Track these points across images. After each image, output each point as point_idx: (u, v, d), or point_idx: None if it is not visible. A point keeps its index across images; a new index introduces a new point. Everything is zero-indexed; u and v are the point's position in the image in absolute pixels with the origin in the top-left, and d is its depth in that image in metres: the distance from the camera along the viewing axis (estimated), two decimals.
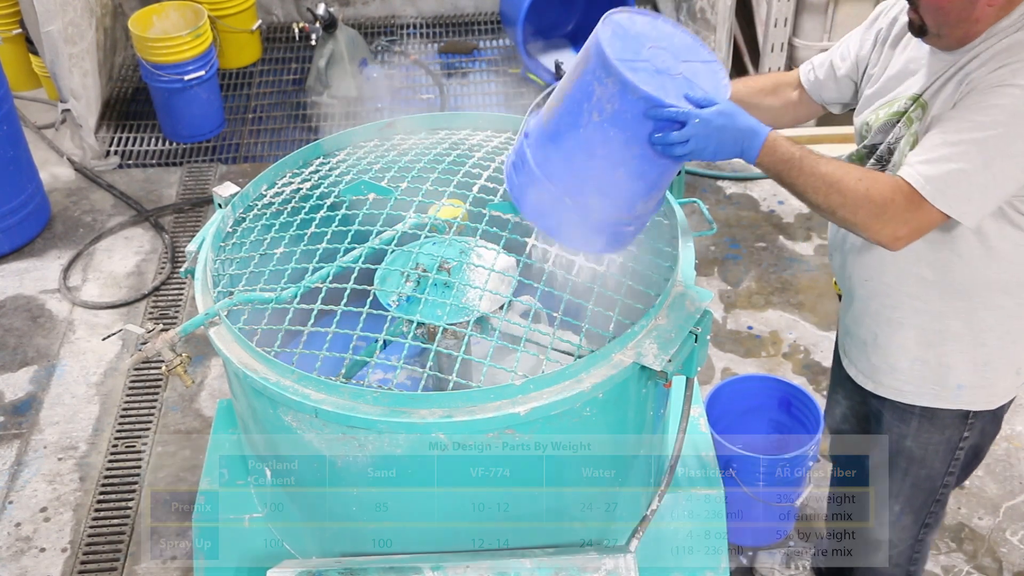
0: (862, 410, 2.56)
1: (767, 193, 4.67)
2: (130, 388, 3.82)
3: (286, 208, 2.36)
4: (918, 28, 2.04)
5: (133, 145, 5.10)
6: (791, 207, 4.58)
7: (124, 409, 3.74)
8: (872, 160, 2.20)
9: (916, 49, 2.13)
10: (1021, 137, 1.91)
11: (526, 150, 2.02)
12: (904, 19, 2.15)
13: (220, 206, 2.35)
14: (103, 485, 3.48)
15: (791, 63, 4.83)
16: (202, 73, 4.90)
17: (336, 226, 2.23)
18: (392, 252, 2.21)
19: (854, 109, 2.33)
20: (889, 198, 1.95)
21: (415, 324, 2.04)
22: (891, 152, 2.15)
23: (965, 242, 2.10)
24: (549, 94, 2.08)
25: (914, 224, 1.97)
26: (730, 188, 4.71)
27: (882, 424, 2.43)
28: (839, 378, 2.57)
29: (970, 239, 2.09)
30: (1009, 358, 2.27)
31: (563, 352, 2.07)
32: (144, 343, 2.10)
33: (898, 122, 2.13)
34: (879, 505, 2.52)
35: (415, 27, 5.97)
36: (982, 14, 1.96)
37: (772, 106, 2.42)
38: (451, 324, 2.07)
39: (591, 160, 1.94)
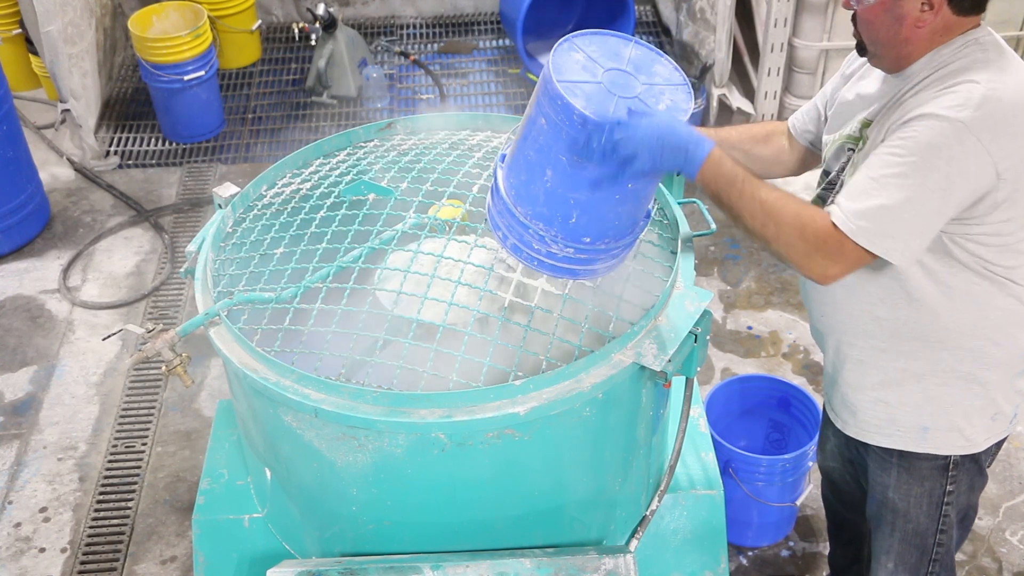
0: (846, 452, 2.49)
1: None
2: (130, 388, 3.82)
3: (286, 208, 2.36)
4: (859, 46, 2.04)
5: (133, 145, 5.11)
6: None
7: (124, 409, 3.74)
8: (827, 189, 2.17)
9: (875, 76, 2.11)
10: (937, 169, 1.85)
11: (499, 183, 1.97)
12: None
13: (220, 206, 2.35)
14: (103, 485, 3.48)
15: (791, 63, 4.83)
16: (202, 73, 4.90)
17: (336, 226, 2.23)
18: (392, 252, 2.21)
19: None
20: (822, 237, 1.89)
21: (415, 324, 2.05)
22: (841, 181, 2.12)
23: (914, 281, 2.04)
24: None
25: (843, 262, 1.91)
26: None
27: (868, 476, 2.36)
28: (826, 414, 2.48)
29: (919, 278, 2.03)
30: (979, 401, 2.16)
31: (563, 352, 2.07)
32: (144, 343, 2.11)
33: (852, 148, 2.10)
34: (874, 561, 2.44)
35: (415, 27, 5.97)
36: (911, 35, 1.93)
37: (763, 155, 2.38)
38: (451, 324, 2.07)
39: (544, 183, 1.88)
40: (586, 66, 1.86)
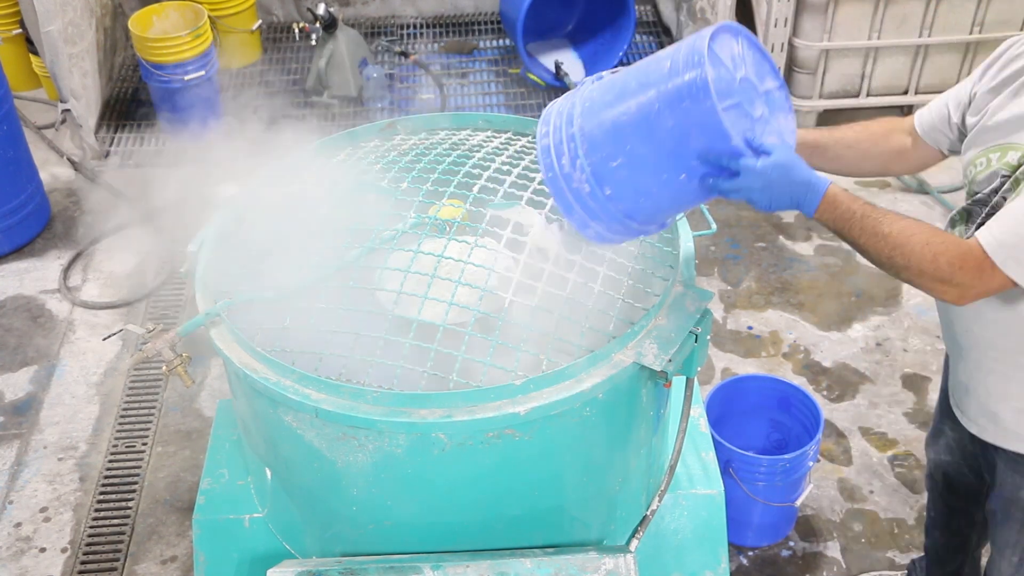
0: (969, 447, 2.51)
1: None
2: (130, 388, 3.82)
3: (286, 208, 2.36)
4: None
5: (133, 145, 5.10)
6: None
7: (124, 409, 3.74)
8: (974, 204, 2.11)
9: None
10: None
11: (575, 123, 1.92)
12: None
13: (220, 206, 2.35)
14: (103, 485, 3.48)
15: (791, 63, 4.83)
16: (202, 73, 4.90)
17: (336, 226, 2.23)
18: (392, 251, 2.21)
19: None
20: (958, 265, 1.91)
21: (415, 324, 2.05)
22: (994, 203, 2.06)
23: None
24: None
25: (980, 288, 1.94)
26: None
27: (996, 473, 2.38)
28: (946, 408, 2.51)
29: None
30: None
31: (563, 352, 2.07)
32: (144, 343, 2.11)
33: (1010, 175, 2.01)
34: (997, 554, 2.47)
35: (415, 27, 5.97)
36: None
37: (883, 152, 2.32)
38: (451, 324, 2.07)
39: (643, 169, 1.87)
40: (727, 79, 1.82)
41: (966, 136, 2.16)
